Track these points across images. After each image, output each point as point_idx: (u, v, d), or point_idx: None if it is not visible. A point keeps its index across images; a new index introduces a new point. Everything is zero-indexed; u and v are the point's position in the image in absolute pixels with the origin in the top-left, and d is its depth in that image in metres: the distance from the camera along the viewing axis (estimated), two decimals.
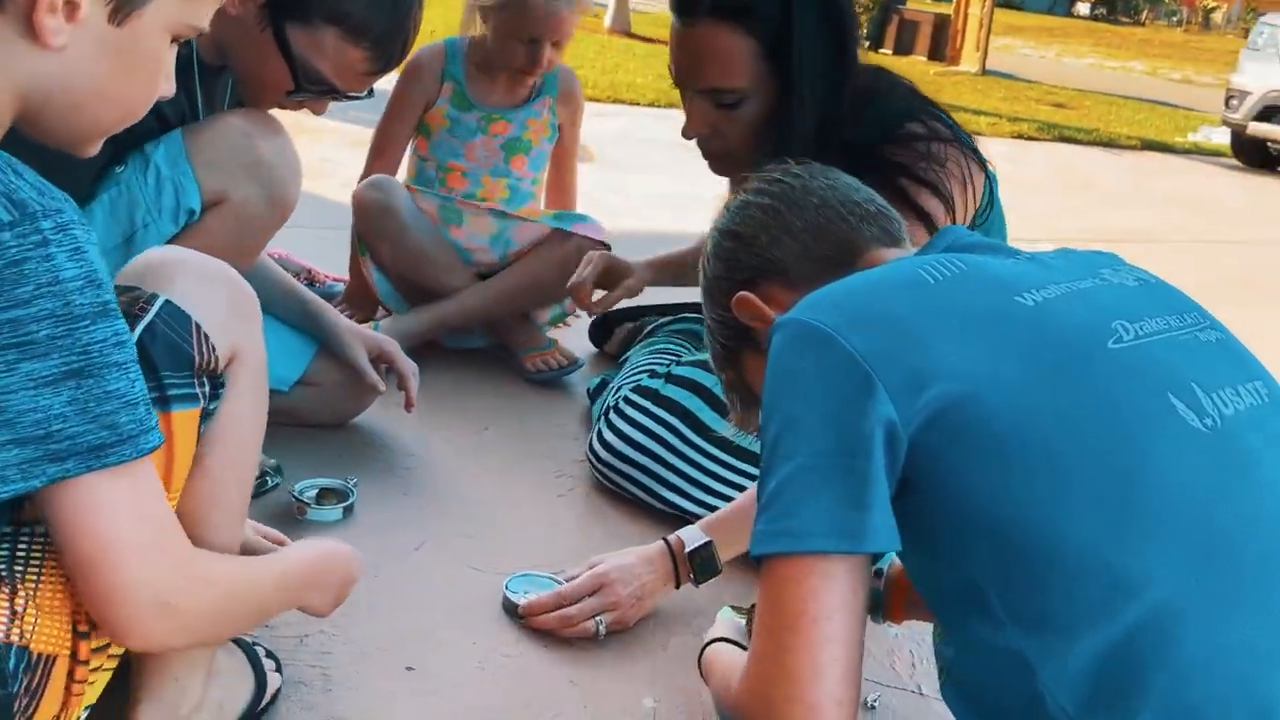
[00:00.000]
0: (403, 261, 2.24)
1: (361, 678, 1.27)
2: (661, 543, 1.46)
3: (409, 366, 1.78)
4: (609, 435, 1.77)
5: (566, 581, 1.45)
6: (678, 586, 1.45)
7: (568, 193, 2.48)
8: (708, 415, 1.75)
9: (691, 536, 1.46)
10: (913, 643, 1.50)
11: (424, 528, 1.62)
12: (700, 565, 1.44)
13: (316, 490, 1.64)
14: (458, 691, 1.29)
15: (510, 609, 1.43)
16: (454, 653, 1.35)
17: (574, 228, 2.21)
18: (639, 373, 1.89)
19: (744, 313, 1.12)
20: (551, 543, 1.63)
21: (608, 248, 2.19)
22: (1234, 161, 8.32)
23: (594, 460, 1.78)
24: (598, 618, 1.39)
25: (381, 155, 2.34)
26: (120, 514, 0.82)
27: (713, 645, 1.20)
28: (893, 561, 1.32)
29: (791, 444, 0.92)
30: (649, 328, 2.24)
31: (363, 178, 2.29)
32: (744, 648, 1.20)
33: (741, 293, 1.11)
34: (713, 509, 1.65)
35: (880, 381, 0.88)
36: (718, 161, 1.50)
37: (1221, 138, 8.85)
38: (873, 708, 1.36)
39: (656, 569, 1.44)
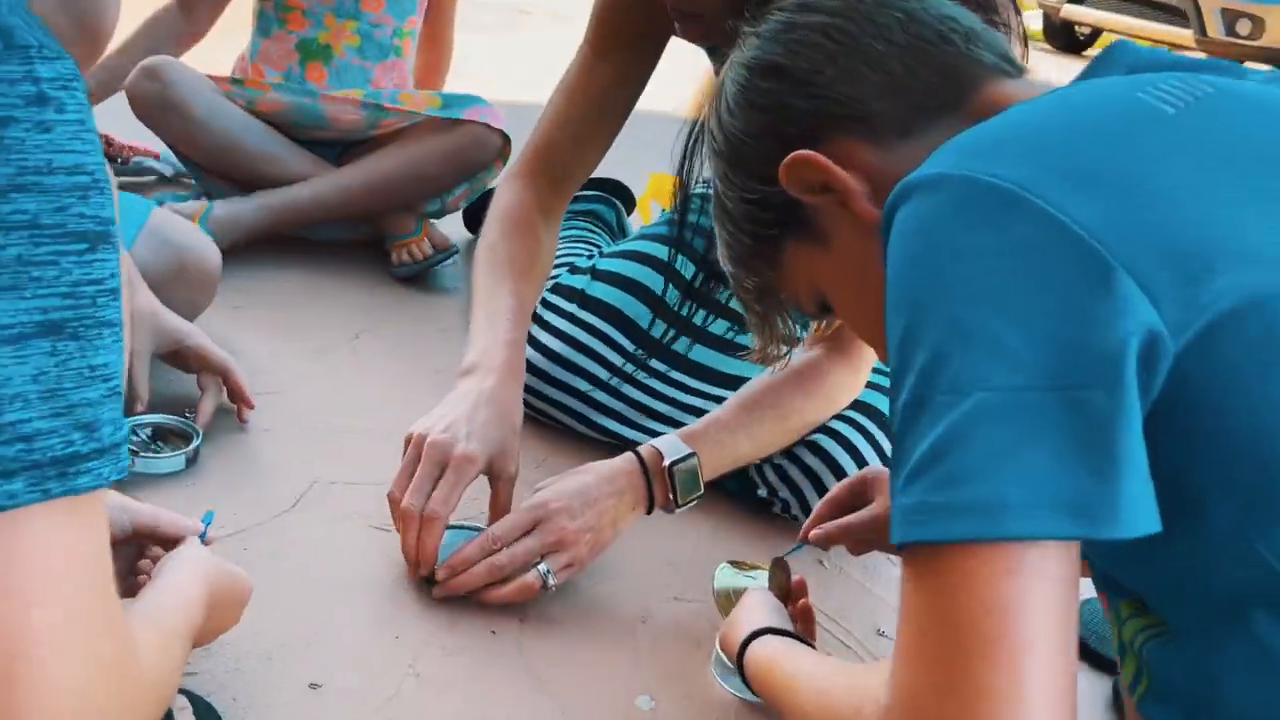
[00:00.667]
0: (204, 158, 1.79)
1: (247, 707, 0.90)
2: (631, 455, 1.13)
3: (222, 363, 1.27)
4: (526, 349, 1.40)
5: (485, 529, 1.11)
6: (649, 511, 1.13)
7: (437, 56, 2.05)
8: (648, 320, 1.41)
9: (672, 447, 1.13)
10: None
11: (297, 475, 1.22)
12: (683, 483, 1.12)
13: (149, 430, 1.21)
14: (387, 714, 0.93)
15: (431, 580, 1.07)
16: (373, 655, 0.98)
17: (465, 114, 1.79)
18: (554, 267, 1.52)
19: (800, 182, 0.78)
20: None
21: (507, 138, 1.79)
22: (1045, 45, 8.43)
23: None
24: (540, 565, 1.05)
25: None
26: (61, 573, 0.52)
27: (759, 642, 0.89)
28: None
29: (970, 368, 0.60)
30: None
31: None
32: (804, 641, 0.89)
33: (800, 152, 0.77)
34: (648, 430, 1.33)
35: (1124, 269, 0.57)
36: (684, 21, 1.13)
37: (1032, 23, 8.97)
38: None
39: (622, 489, 1.10)
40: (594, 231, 1.74)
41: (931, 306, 0.62)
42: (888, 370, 1.34)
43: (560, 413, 1.39)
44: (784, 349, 0.95)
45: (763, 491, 1.30)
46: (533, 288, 1.25)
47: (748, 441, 1.18)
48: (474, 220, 1.97)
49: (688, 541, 1.23)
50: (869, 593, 1.21)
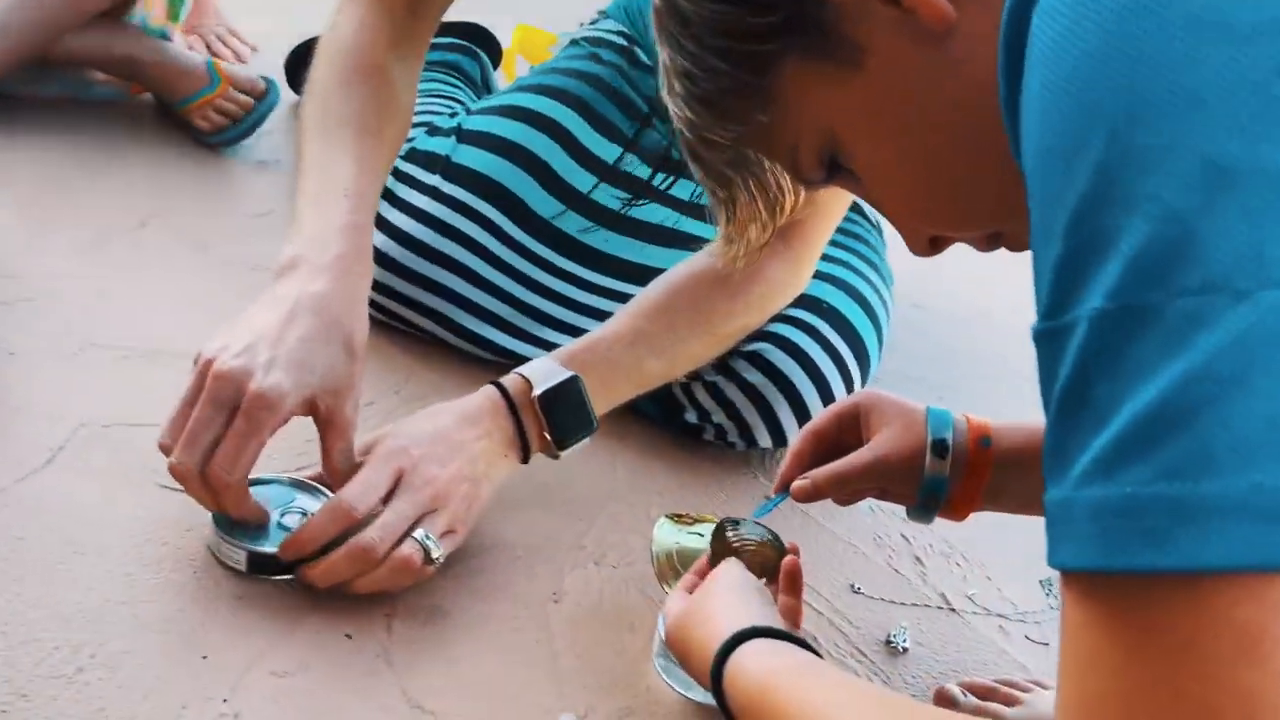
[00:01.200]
0: None
1: None
2: (490, 389, 0.84)
3: None
4: (374, 235, 1.07)
5: (321, 486, 0.79)
6: (525, 460, 0.84)
7: None
8: (533, 193, 1.09)
9: (544, 372, 0.84)
10: (908, 529, 0.99)
11: (56, 417, 0.87)
12: (562, 420, 0.84)
13: None
14: None
15: (248, 561, 0.75)
16: (169, 688, 0.67)
17: None
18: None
19: None
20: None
21: None
22: None
23: None
24: (417, 532, 0.75)
25: None
26: None
27: (747, 651, 0.60)
28: (958, 423, 0.78)
29: (1248, 248, 0.33)
30: None
31: None
32: (807, 646, 0.61)
33: None
34: (548, 345, 1.03)
35: None
36: None
37: None
38: (904, 650, 0.85)
39: (488, 430, 0.81)
40: (455, 86, 1.39)
41: (1161, 134, 0.34)
42: (841, 259, 1.07)
43: (423, 317, 1.06)
44: (757, 239, 0.67)
45: (691, 415, 1.02)
46: (384, 152, 0.91)
47: (655, 357, 0.90)
48: (298, 68, 1.57)
49: (601, 485, 0.95)
50: (836, 538, 0.96)
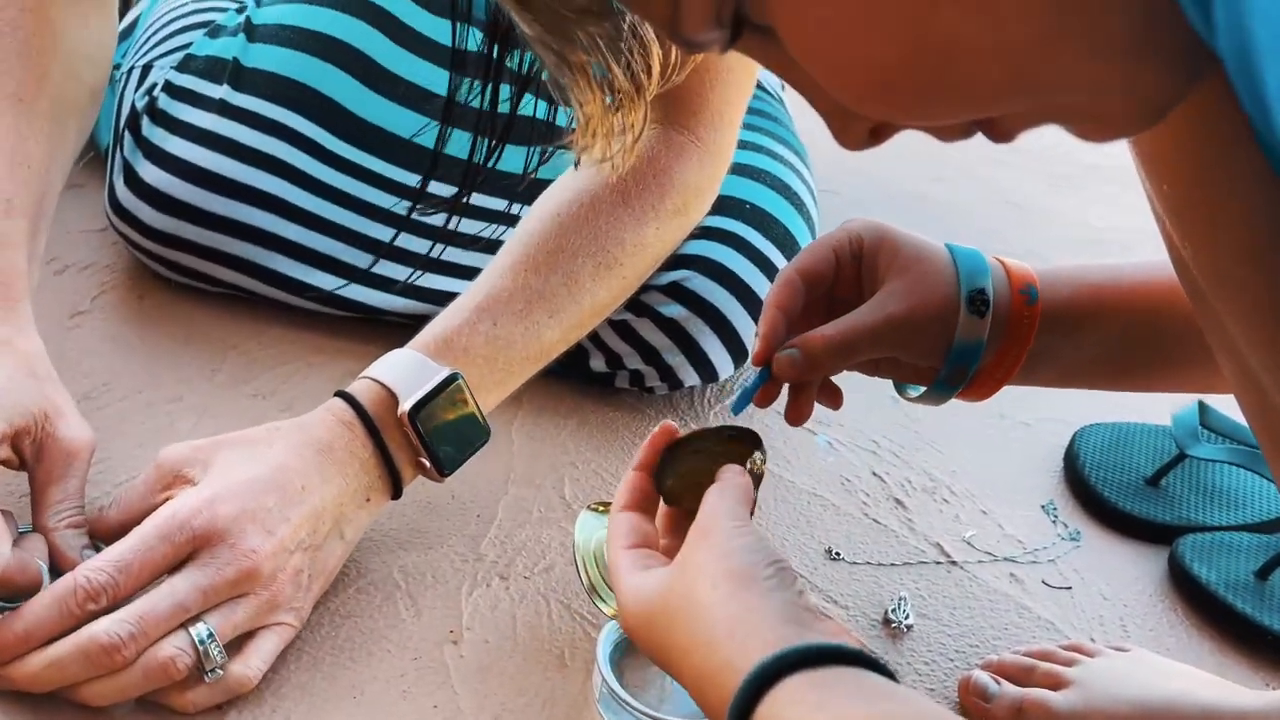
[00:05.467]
0: None
1: None
2: (338, 404, 0.61)
3: None
4: (147, 169, 0.80)
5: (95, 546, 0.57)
6: (397, 496, 0.62)
7: None
8: (351, 91, 0.83)
9: (408, 375, 0.62)
10: (878, 465, 0.80)
11: None
12: (445, 439, 0.62)
13: None
14: None
15: None
16: None
17: None
18: (177, 33, 0.90)
19: None
20: None
21: None
22: None
23: (120, 223, 0.81)
24: (196, 628, 0.52)
25: None
26: None
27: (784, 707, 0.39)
28: (994, 270, 0.58)
29: None
30: None
31: None
32: (868, 661, 0.40)
33: None
34: (410, 290, 0.80)
35: None
36: None
37: None
38: (908, 628, 0.67)
39: (339, 469, 0.59)
40: None
41: None
42: (753, 142, 0.85)
43: (228, 269, 0.81)
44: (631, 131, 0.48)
45: (598, 362, 0.80)
46: (40, 127, 0.63)
47: (555, 322, 0.67)
48: None
49: (495, 465, 0.73)
50: (796, 490, 0.76)
